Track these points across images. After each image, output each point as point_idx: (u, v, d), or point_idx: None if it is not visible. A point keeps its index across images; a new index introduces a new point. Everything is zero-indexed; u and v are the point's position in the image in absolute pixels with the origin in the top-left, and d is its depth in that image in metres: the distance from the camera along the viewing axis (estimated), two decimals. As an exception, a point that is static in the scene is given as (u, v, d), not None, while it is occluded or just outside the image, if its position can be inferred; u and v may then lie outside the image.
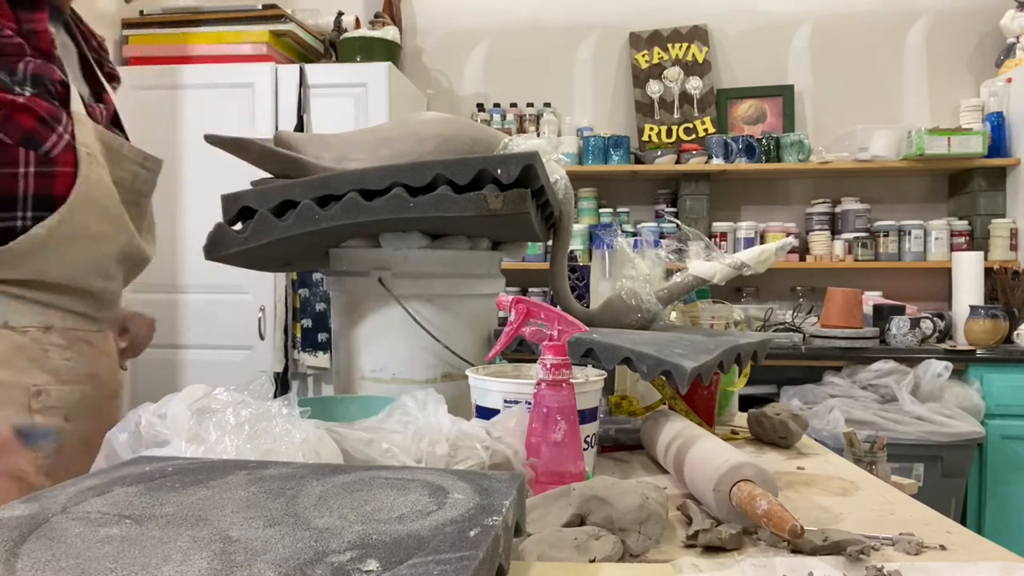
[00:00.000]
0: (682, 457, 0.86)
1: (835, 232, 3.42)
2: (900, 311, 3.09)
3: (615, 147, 3.42)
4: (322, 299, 3.07)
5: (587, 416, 0.88)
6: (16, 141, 0.97)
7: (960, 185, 3.44)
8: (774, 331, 3.09)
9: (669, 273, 1.24)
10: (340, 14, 3.44)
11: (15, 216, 0.99)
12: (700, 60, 3.56)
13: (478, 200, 0.99)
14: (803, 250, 3.45)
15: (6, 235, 0.98)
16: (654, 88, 3.58)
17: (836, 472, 1.00)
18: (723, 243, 3.39)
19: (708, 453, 0.81)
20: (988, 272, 3.18)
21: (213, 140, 1.19)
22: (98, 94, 1.17)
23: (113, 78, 1.23)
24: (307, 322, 3.08)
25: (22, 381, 0.99)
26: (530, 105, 3.62)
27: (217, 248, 1.13)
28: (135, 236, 1.13)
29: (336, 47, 3.40)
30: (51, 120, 1.00)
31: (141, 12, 3.27)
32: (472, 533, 0.46)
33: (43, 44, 1.01)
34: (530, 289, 3.46)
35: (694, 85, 3.55)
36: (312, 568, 0.41)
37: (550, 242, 1.24)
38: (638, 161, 3.44)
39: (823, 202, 3.46)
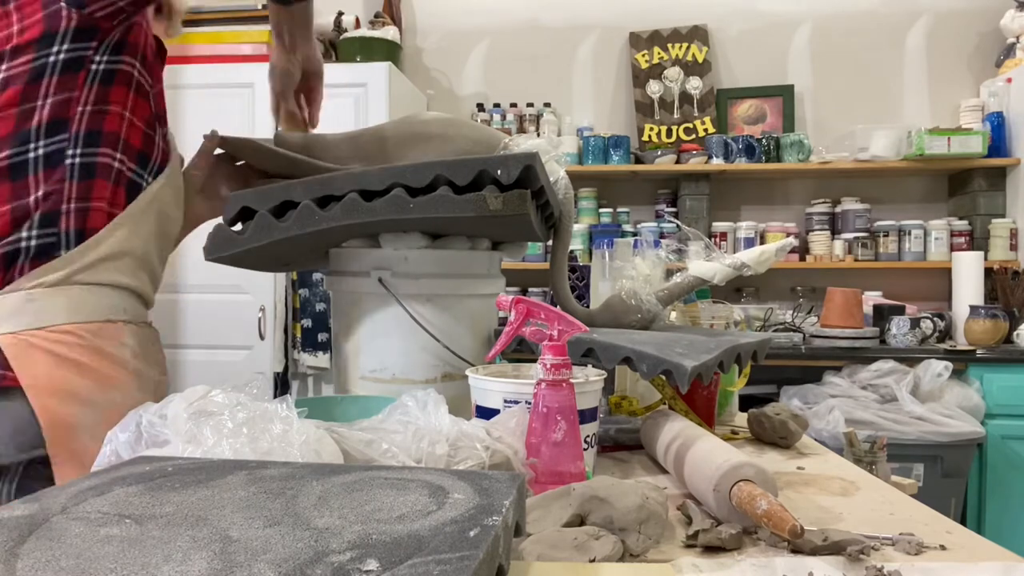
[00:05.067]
0: (682, 457, 0.86)
1: (835, 232, 3.42)
2: (900, 311, 3.09)
3: (615, 147, 3.42)
4: (322, 299, 3.07)
5: (587, 416, 0.88)
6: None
7: (960, 185, 3.44)
8: (774, 331, 3.09)
9: (669, 273, 1.24)
10: (340, 14, 3.45)
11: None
12: (700, 60, 3.56)
13: (478, 201, 0.99)
14: (803, 250, 3.45)
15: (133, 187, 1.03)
16: (654, 88, 3.58)
17: (836, 472, 1.00)
18: (723, 243, 3.39)
19: (708, 453, 0.81)
20: (988, 272, 3.18)
21: (213, 140, 1.19)
22: None
23: None
24: (307, 322, 3.08)
25: (152, 374, 1.05)
26: (530, 105, 3.62)
27: (217, 248, 1.13)
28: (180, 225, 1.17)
29: (336, 47, 3.40)
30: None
31: (141, 12, 3.27)
32: (472, 533, 0.46)
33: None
34: (530, 289, 3.46)
35: (694, 85, 3.55)
36: (312, 568, 0.41)
37: (550, 242, 1.24)
38: (638, 161, 3.44)
39: (823, 202, 3.46)
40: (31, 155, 0.94)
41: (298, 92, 1.20)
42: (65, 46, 0.93)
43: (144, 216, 1.03)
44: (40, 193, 0.94)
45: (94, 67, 0.96)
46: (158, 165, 1.06)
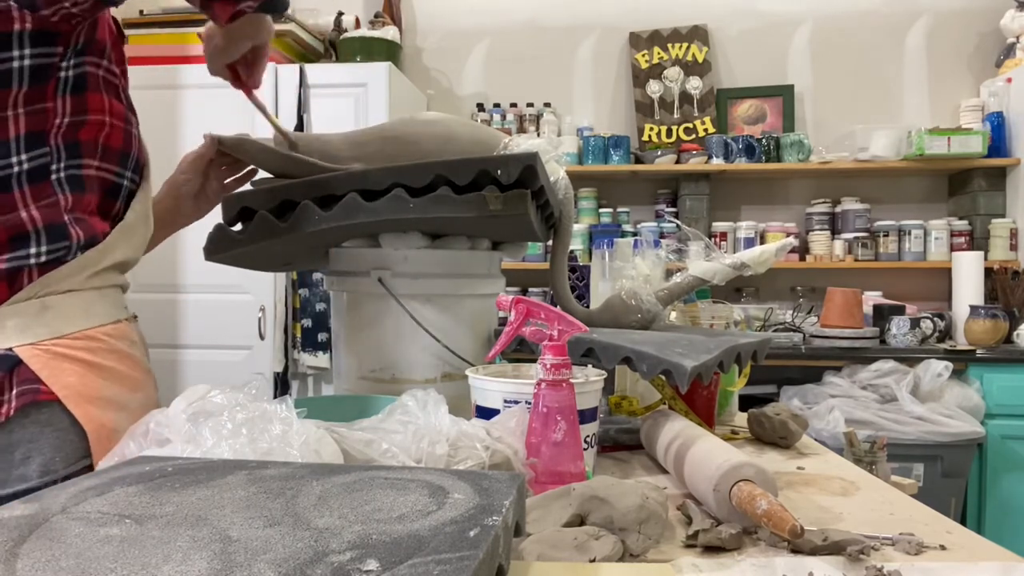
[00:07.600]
0: (682, 457, 0.86)
1: (835, 232, 3.42)
2: (900, 311, 3.09)
3: (615, 147, 3.42)
4: (322, 299, 3.07)
5: (587, 416, 0.88)
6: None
7: (960, 185, 3.44)
8: (774, 331, 3.09)
9: (669, 273, 1.24)
10: (340, 14, 3.45)
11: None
12: (700, 60, 3.56)
13: (478, 201, 0.99)
14: (803, 250, 3.45)
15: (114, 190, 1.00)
16: (654, 88, 3.58)
17: (836, 472, 1.00)
18: (723, 243, 3.39)
19: (708, 453, 0.81)
20: (988, 272, 3.18)
21: (213, 140, 1.19)
22: None
23: None
24: (307, 322, 3.08)
25: (152, 370, 1.03)
26: (530, 105, 3.62)
27: (217, 248, 1.13)
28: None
29: (336, 47, 3.40)
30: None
31: (141, 12, 3.27)
32: (472, 533, 0.46)
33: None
34: (530, 289, 3.46)
35: (694, 85, 3.55)
36: (312, 568, 0.41)
37: (550, 242, 1.24)
38: (638, 161, 3.44)
39: (823, 202, 3.46)
40: (15, 170, 0.90)
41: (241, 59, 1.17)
42: (27, 51, 0.88)
43: (136, 226, 1.02)
44: (33, 208, 0.91)
45: (63, 75, 0.91)
46: (137, 159, 1.03)
